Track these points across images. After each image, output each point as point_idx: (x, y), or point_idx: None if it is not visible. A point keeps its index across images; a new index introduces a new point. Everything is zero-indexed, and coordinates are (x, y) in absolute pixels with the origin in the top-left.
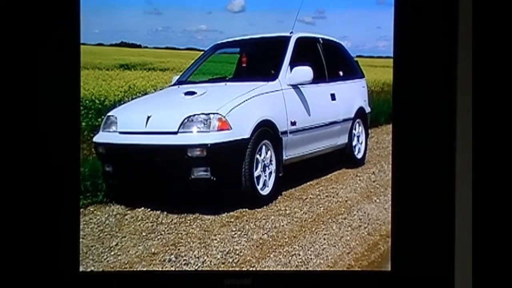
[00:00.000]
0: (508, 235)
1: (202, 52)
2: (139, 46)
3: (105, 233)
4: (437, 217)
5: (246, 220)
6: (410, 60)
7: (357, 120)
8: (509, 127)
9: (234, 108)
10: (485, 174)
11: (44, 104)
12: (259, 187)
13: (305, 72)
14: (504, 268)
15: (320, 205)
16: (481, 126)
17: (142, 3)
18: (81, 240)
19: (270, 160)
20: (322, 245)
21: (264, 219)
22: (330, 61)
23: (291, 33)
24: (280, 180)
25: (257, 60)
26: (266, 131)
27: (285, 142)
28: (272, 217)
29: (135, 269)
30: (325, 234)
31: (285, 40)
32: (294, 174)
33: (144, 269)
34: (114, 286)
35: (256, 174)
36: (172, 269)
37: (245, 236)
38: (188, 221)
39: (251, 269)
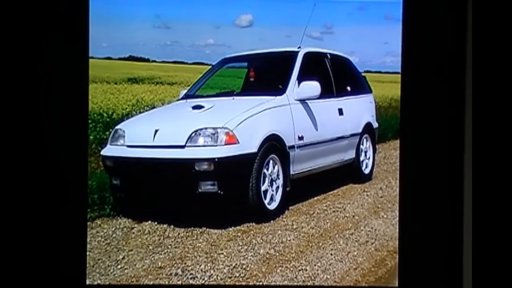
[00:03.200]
0: None
1: (210, 67)
2: (148, 60)
3: (112, 247)
4: (445, 233)
5: (253, 235)
6: (417, 75)
7: (365, 135)
8: None
9: (241, 123)
10: (492, 189)
11: (52, 117)
12: (266, 202)
13: (312, 87)
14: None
15: (327, 220)
16: (489, 142)
17: (151, 17)
18: (88, 253)
19: (277, 175)
20: (329, 261)
21: (271, 233)
22: (337, 76)
23: (299, 48)
24: (287, 194)
25: (265, 74)
26: (273, 145)
27: (293, 157)
28: (279, 231)
29: (141, 283)
30: (332, 250)
31: (293, 55)
32: (301, 188)
33: (151, 283)
34: None
35: (263, 188)
36: (179, 283)
37: (252, 250)
38: (195, 235)
39: (257, 283)
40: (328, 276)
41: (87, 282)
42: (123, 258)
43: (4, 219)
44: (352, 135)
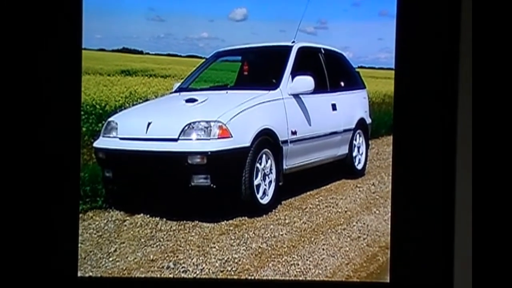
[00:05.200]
0: (508, 246)
1: (204, 60)
2: (141, 52)
3: (104, 239)
4: (436, 229)
5: (246, 229)
6: (411, 72)
7: (358, 131)
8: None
9: (235, 116)
10: (485, 185)
11: (45, 109)
12: (258, 196)
13: (306, 81)
14: (503, 279)
15: (320, 215)
16: (482, 138)
17: (145, 9)
18: (79, 245)
19: (270, 169)
20: (321, 255)
21: (263, 228)
22: (331, 71)
23: (293, 42)
24: (280, 189)
25: (258, 68)
26: (266, 140)
27: (286, 151)
28: (272, 226)
29: (133, 276)
30: (324, 245)
31: (287, 49)
32: (294, 183)
33: (142, 275)
34: None
35: (256, 182)
36: (171, 276)
37: (244, 244)
38: (187, 229)
39: (249, 277)
40: (320, 271)
41: (79, 274)
42: (115, 250)
43: None
44: (345, 130)
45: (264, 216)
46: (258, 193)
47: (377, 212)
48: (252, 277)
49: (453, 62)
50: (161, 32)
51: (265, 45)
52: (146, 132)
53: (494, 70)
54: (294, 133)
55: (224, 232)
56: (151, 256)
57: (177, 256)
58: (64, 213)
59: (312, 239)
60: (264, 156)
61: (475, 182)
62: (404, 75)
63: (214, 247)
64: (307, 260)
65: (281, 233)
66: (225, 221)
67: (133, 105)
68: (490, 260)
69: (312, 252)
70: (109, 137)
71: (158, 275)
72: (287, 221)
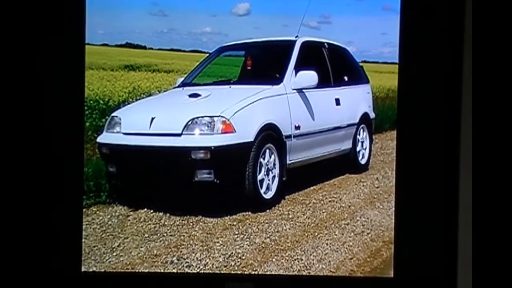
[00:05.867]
0: (510, 242)
1: (207, 55)
2: (144, 48)
3: (108, 234)
4: (440, 224)
5: (249, 224)
6: (415, 66)
7: (362, 126)
8: None
9: (238, 111)
10: (488, 181)
11: (48, 104)
12: (262, 191)
13: (310, 76)
14: (505, 274)
15: (323, 210)
16: (485, 133)
17: (148, 4)
18: (83, 240)
19: (274, 164)
20: (324, 250)
21: (266, 223)
22: (335, 66)
23: (296, 37)
24: (283, 184)
25: (262, 63)
26: (270, 134)
27: (289, 146)
28: (275, 221)
29: (137, 270)
30: (327, 239)
31: (290, 44)
32: (297, 178)
33: (146, 270)
34: (116, 287)
35: (259, 177)
36: (174, 271)
37: (248, 239)
38: (191, 224)
39: (253, 272)
40: (324, 266)
41: (83, 269)
42: (119, 245)
43: None
44: (349, 125)
45: (268, 211)
46: (261, 188)
47: (381, 207)
48: (256, 272)
49: (456, 56)
50: (164, 27)
51: (269, 40)
52: (150, 127)
53: (497, 65)
54: (297, 128)
55: (227, 227)
56: (155, 251)
57: (180, 251)
58: (67, 208)
59: (316, 234)
60: (267, 151)
61: (477, 177)
62: (408, 69)
63: (218, 242)
64: (310, 255)
65: (284, 228)
66: (228, 216)
67: (137, 100)
68: (492, 256)
69: (315, 247)
70: (112, 132)
71: (162, 270)
72: (290, 216)
